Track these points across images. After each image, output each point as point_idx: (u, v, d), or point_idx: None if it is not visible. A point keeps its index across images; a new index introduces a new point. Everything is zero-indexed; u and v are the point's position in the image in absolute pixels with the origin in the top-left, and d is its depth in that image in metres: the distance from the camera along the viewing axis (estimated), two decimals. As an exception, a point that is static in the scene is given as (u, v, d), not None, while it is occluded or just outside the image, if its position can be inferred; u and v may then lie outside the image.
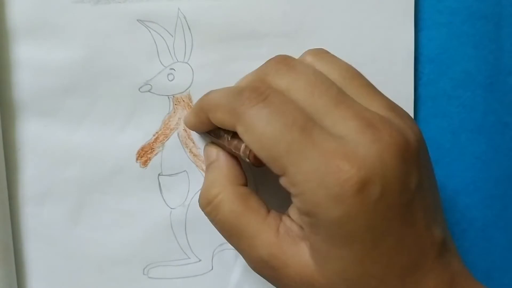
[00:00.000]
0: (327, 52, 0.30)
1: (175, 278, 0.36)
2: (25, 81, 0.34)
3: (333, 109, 0.26)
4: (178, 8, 0.34)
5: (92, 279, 0.36)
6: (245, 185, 0.30)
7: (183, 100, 0.35)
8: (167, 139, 0.35)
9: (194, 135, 0.35)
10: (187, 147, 0.35)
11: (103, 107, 0.35)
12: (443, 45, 0.36)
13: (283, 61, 0.28)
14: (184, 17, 0.34)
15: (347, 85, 0.27)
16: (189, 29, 0.35)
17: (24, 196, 0.35)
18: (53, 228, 0.35)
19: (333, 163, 0.24)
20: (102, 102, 0.35)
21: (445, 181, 0.36)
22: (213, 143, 0.32)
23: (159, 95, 0.35)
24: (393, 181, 0.24)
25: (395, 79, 0.35)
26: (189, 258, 0.36)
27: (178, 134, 0.35)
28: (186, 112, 0.35)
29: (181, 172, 0.35)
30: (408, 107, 0.35)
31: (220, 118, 0.28)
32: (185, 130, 0.35)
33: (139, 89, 0.35)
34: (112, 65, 0.34)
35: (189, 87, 0.35)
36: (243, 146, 0.29)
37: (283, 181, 0.26)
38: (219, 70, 0.35)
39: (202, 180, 0.35)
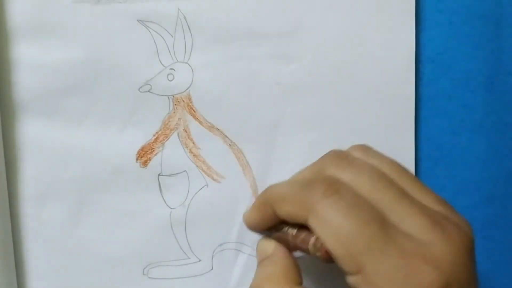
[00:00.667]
0: (372, 147, 0.30)
1: (175, 278, 0.36)
2: (25, 81, 0.34)
3: (398, 205, 0.26)
4: (178, 8, 0.34)
5: (92, 279, 0.36)
6: (301, 284, 0.29)
7: (183, 100, 0.35)
8: (167, 139, 0.35)
9: (194, 136, 0.35)
10: (187, 147, 0.35)
11: (103, 107, 0.35)
12: (443, 45, 0.35)
13: (341, 155, 0.29)
14: (184, 17, 0.34)
15: (400, 180, 0.28)
16: (189, 29, 0.35)
17: (24, 196, 0.35)
18: (53, 228, 0.35)
19: (415, 264, 0.24)
20: (102, 102, 0.35)
21: (445, 181, 0.36)
22: (267, 237, 0.31)
23: (159, 95, 0.35)
24: (466, 280, 0.25)
25: (396, 79, 0.35)
26: (189, 258, 0.36)
27: (178, 134, 0.35)
28: (187, 112, 0.35)
29: (181, 172, 0.35)
30: (409, 107, 0.35)
31: (289, 210, 0.28)
32: (185, 130, 0.35)
33: (139, 89, 0.35)
34: (112, 65, 0.34)
35: (189, 87, 0.35)
36: (312, 239, 0.27)
37: (354, 280, 0.25)
38: (219, 70, 0.35)
39: (202, 180, 0.35)
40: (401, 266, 0.24)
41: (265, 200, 0.30)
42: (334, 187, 0.26)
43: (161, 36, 0.34)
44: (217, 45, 0.35)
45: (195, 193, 0.36)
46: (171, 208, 0.36)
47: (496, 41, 0.35)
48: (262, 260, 0.30)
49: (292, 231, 0.29)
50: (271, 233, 0.31)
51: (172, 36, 0.35)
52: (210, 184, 0.36)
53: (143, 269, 0.36)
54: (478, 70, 0.36)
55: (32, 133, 0.34)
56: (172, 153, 0.35)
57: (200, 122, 0.35)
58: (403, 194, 0.27)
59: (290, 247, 0.29)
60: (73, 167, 0.35)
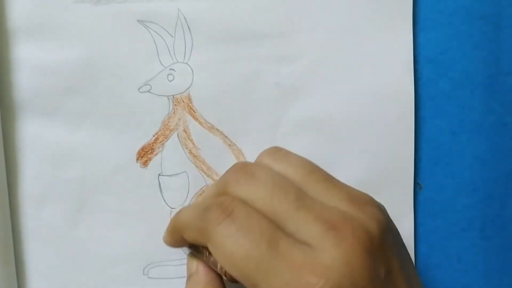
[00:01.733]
0: (282, 150, 0.30)
1: (175, 278, 0.36)
2: (25, 81, 0.34)
3: (294, 214, 0.26)
4: (178, 9, 0.34)
5: (92, 279, 0.36)
6: None
7: (183, 101, 0.35)
8: (167, 140, 0.35)
9: (194, 136, 0.35)
10: (186, 147, 0.35)
11: (103, 107, 0.35)
12: (442, 46, 0.36)
13: (241, 170, 0.29)
14: (184, 18, 0.34)
15: (305, 182, 0.28)
16: (189, 29, 0.35)
17: (24, 196, 0.35)
18: (53, 228, 0.35)
19: (302, 277, 0.24)
20: (102, 102, 0.35)
21: (445, 181, 0.36)
22: (193, 254, 0.31)
23: (159, 95, 0.35)
24: (362, 279, 0.24)
25: (396, 79, 0.35)
26: (189, 258, 0.36)
27: (177, 135, 0.35)
28: (186, 113, 0.35)
29: (181, 173, 0.36)
30: (408, 107, 0.35)
31: (192, 237, 0.28)
32: (185, 131, 0.35)
33: (139, 89, 0.35)
34: (112, 65, 0.34)
35: (189, 87, 0.35)
36: (219, 264, 0.28)
37: None
38: (219, 70, 0.35)
39: (201, 180, 0.35)
40: (291, 280, 0.24)
41: (173, 226, 0.30)
42: (228, 210, 0.26)
43: (161, 36, 0.34)
44: (217, 45, 0.35)
45: (195, 193, 0.36)
46: (171, 208, 0.36)
47: (495, 41, 0.35)
48: (188, 277, 0.31)
49: (206, 252, 0.29)
50: (193, 252, 0.31)
51: (172, 36, 0.35)
52: (210, 184, 0.36)
53: (143, 269, 0.36)
54: (477, 70, 0.36)
55: (32, 133, 0.35)
56: (172, 153, 0.35)
57: (200, 123, 0.35)
58: (301, 200, 0.26)
59: (210, 264, 0.30)
60: (73, 167, 0.35)
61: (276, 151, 0.30)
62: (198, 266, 0.30)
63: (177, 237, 0.30)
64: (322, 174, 0.28)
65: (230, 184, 0.28)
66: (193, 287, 0.30)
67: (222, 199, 0.27)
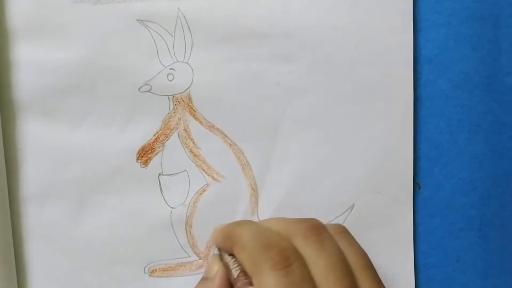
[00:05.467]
0: (349, 233, 0.31)
1: (176, 277, 0.36)
2: (25, 81, 0.34)
3: None
4: (178, 8, 0.34)
5: (93, 278, 0.36)
6: None
7: (183, 100, 0.35)
8: (167, 139, 0.35)
9: (195, 135, 0.35)
10: (187, 147, 0.35)
11: (103, 107, 0.35)
12: (441, 46, 0.36)
13: (315, 230, 0.29)
14: (184, 17, 0.34)
15: (359, 274, 0.28)
16: (189, 29, 0.35)
17: (25, 195, 0.35)
18: (54, 228, 0.35)
19: None
20: (102, 102, 0.35)
21: (443, 181, 0.37)
22: (218, 256, 0.32)
23: (159, 95, 0.35)
24: None
25: (394, 79, 0.35)
26: (190, 256, 0.36)
27: (178, 134, 0.35)
28: (187, 112, 0.35)
29: (181, 172, 0.36)
30: (407, 107, 0.36)
31: (243, 260, 0.29)
32: (185, 130, 0.35)
33: (139, 89, 0.35)
34: (112, 65, 0.34)
35: (189, 87, 0.35)
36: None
37: None
38: (219, 70, 0.35)
39: (202, 179, 0.36)
40: None
41: (229, 235, 0.30)
42: (287, 262, 0.27)
43: (161, 36, 0.34)
44: (217, 45, 0.35)
45: (196, 193, 0.36)
46: (172, 208, 0.36)
47: (493, 42, 0.36)
48: (203, 279, 0.32)
49: (238, 270, 0.29)
50: (224, 255, 0.31)
51: (172, 36, 0.35)
52: (210, 183, 0.36)
53: (144, 268, 0.36)
54: (476, 70, 0.36)
55: (33, 133, 0.35)
56: (172, 152, 0.35)
57: (200, 122, 0.35)
58: None
59: (230, 278, 0.30)
60: (74, 167, 0.35)
61: (345, 232, 0.31)
62: (217, 274, 0.31)
63: (227, 244, 0.30)
64: (374, 273, 0.29)
65: (299, 236, 0.29)
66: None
67: (286, 246, 0.28)
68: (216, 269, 0.31)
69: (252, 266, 0.28)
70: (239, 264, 0.29)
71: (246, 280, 0.29)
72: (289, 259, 0.27)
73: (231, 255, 0.30)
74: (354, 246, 0.30)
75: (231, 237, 0.30)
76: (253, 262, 0.28)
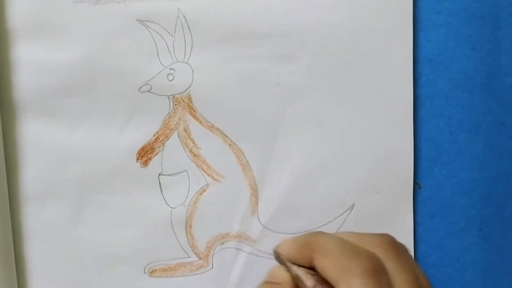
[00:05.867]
0: (409, 253, 0.31)
1: (176, 277, 0.36)
2: (25, 81, 0.34)
3: None
4: (178, 8, 0.34)
5: (93, 278, 0.36)
6: None
7: (183, 100, 0.35)
8: (168, 139, 0.35)
9: (195, 135, 0.35)
10: (187, 147, 0.35)
11: (103, 107, 0.35)
12: (441, 46, 0.36)
13: (392, 243, 0.30)
14: (184, 17, 0.34)
15: None
16: (189, 29, 0.35)
17: (25, 195, 0.35)
18: (54, 228, 0.35)
19: None
20: (102, 102, 0.35)
21: (443, 181, 0.37)
22: (282, 267, 0.32)
23: (159, 95, 0.35)
24: None
25: (394, 79, 0.35)
26: (190, 257, 0.36)
27: (178, 134, 0.35)
28: (187, 112, 0.35)
29: (181, 172, 0.36)
30: (407, 107, 0.36)
31: (327, 266, 0.29)
32: (185, 130, 0.35)
33: (139, 89, 0.35)
34: (112, 65, 0.34)
35: (189, 87, 0.35)
36: None
37: None
38: (219, 70, 0.35)
39: (202, 179, 0.36)
40: None
41: (307, 243, 0.30)
42: (377, 270, 0.28)
43: (161, 36, 0.34)
44: (217, 45, 0.35)
45: (196, 193, 0.36)
46: (172, 208, 0.36)
47: (493, 42, 0.36)
48: (268, 282, 0.32)
49: (313, 281, 0.29)
50: (292, 267, 0.31)
51: (172, 36, 0.35)
52: (210, 183, 0.36)
53: (144, 268, 0.36)
54: (475, 70, 0.36)
55: (33, 133, 0.35)
56: (172, 152, 0.35)
57: (200, 122, 0.35)
58: None
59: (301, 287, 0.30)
60: (73, 167, 0.35)
61: (406, 252, 0.31)
62: (286, 282, 0.31)
63: (303, 254, 0.30)
64: None
65: (380, 248, 0.29)
66: None
67: (373, 255, 0.28)
68: (283, 277, 0.31)
69: (339, 272, 0.28)
70: (314, 275, 0.29)
71: None
72: (377, 267, 0.28)
73: (301, 266, 0.30)
74: (418, 267, 0.30)
75: (310, 245, 0.30)
76: (341, 267, 0.28)
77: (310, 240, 0.30)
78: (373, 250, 0.29)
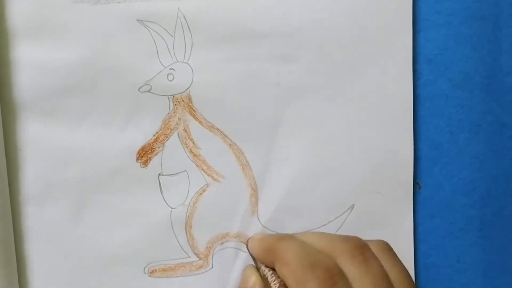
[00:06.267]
0: (392, 250, 0.31)
1: (175, 277, 0.36)
2: (25, 81, 0.34)
3: None
4: (178, 8, 0.34)
5: (93, 278, 0.36)
6: None
7: (183, 100, 0.35)
8: (167, 139, 0.35)
9: (194, 135, 0.35)
10: (187, 147, 0.35)
11: (103, 107, 0.35)
12: (441, 46, 0.36)
13: (359, 249, 0.30)
14: (184, 17, 0.34)
15: None
16: (189, 29, 0.35)
17: (25, 195, 0.35)
18: (54, 228, 0.35)
19: None
20: (102, 102, 0.35)
21: (443, 181, 0.37)
22: (254, 267, 0.32)
23: (159, 95, 0.35)
24: None
25: (394, 79, 0.35)
26: (189, 257, 0.36)
27: (178, 134, 0.35)
28: (187, 112, 0.35)
29: (181, 172, 0.36)
30: (407, 107, 0.36)
31: (286, 276, 0.29)
32: (185, 130, 0.35)
33: (139, 89, 0.35)
34: (112, 65, 0.34)
35: (189, 87, 0.35)
36: None
37: None
38: (219, 70, 0.35)
39: (202, 179, 0.36)
40: None
41: (271, 248, 0.31)
42: (333, 280, 0.28)
43: (161, 36, 0.34)
44: (217, 45, 0.35)
45: (196, 193, 0.36)
46: (172, 208, 0.36)
47: (493, 42, 0.36)
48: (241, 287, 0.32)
49: (277, 284, 0.30)
50: (261, 266, 0.32)
51: (172, 36, 0.35)
52: (210, 183, 0.36)
53: (144, 268, 0.36)
54: (475, 70, 0.36)
55: (33, 133, 0.35)
56: (172, 153, 0.35)
57: (200, 122, 0.35)
58: None
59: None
60: (73, 167, 0.35)
61: (388, 249, 0.31)
62: (256, 286, 0.32)
63: (267, 257, 0.31)
64: None
65: (344, 255, 0.29)
66: None
67: (331, 265, 0.29)
68: (254, 280, 0.32)
69: (296, 283, 0.28)
70: (278, 277, 0.30)
71: None
72: (334, 277, 0.28)
73: (268, 267, 0.31)
74: (398, 265, 0.30)
75: (273, 251, 0.30)
76: (298, 279, 0.28)
77: (273, 245, 0.31)
78: (338, 257, 0.29)
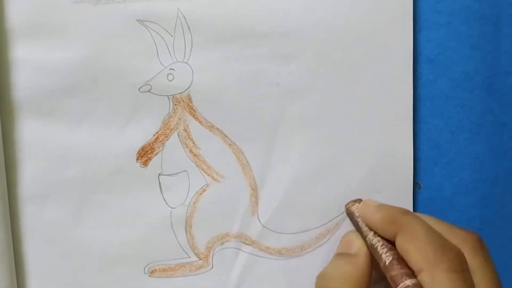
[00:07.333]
0: (486, 249, 0.31)
1: (175, 277, 0.36)
2: (25, 81, 0.34)
3: None
4: (178, 8, 0.34)
5: (93, 278, 0.36)
6: None
7: (183, 100, 0.35)
8: (167, 139, 0.35)
9: (194, 135, 0.35)
10: (187, 147, 0.35)
11: (103, 107, 0.35)
12: (442, 46, 0.36)
13: (480, 243, 0.30)
14: (184, 17, 0.34)
15: None
16: (189, 29, 0.35)
17: (24, 195, 0.35)
18: (53, 228, 0.35)
19: None
20: (102, 102, 0.35)
21: (444, 181, 0.36)
22: (357, 233, 0.31)
23: (159, 95, 0.35)
24: None
25: (394, 79, 0.35)
26: (189, 257, 0.36)
27: (178, 134, 0.35)
28: (187, 112, 0.35)
29: (181, 172, 0.36)
30: (407, 107, 0.36)
31: (411, 251, 0.29)
32: (185, 130, 0.35)
33: (139, 89, 0.35)
34: (112, 65, 0.34)
35: (189, 87, 0.35)
36: (408, 283, 0.28)
37: None
38: (219, 70, 0.35)
39: (202, 179, 0.36)
40: None
41: (394, 219, 0.30)
42: (463, 266, 0.28)
43: (160, 36, 0.34)
44: (217, 45, 0.35)
45: (196, 193, 0.36)
46: (172, 208, 0.36)
47: (494, 41, 0.36)
48: (342, 254, 0.31)
49: (390, 257, 0.29)
50: (369, 234, 0.30)
51: (171, 36, 0.35)
52: (210, 183, 0.36)
53: (144, 268, 0.36)
54: (476, 70, 0.36)
55: (32, 133, 0.35)
56: (172, 153, 0.35)
57: (200, 122, 0.35)
58: None
59: (379, 262, 0.30)
60: (73, 167, 0.35)
61: (486, 250, 0.31)
62: (362, 251, 0.31)
63: (390, 230, 0.30)
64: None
65: (467, 245, 0.29)
66: (348, 267, 0.30)
67: (460, 252, 0.29)
68: (358, 246, 0.31)
69: (424, 261, 0.28)
70: (391, 249, 0.29)
71: (403, 271, 0.28)
72: (463, 264, 0.28)
73: (379, 236, 0.30)
74: (493, 270, 0.31)
75: (399, 223, 0.30)
76: (428, 257, 0.28)
77: (398, 217, 0.30)
78: (459, 246, 0.29)
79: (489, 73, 0.36)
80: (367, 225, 0.31)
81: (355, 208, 0.33)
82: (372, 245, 0.29)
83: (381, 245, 0.29)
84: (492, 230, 0.37)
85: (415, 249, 0.28)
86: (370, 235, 0.30)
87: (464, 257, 0.29)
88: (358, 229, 0.31)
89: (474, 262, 0.29)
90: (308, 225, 0.36)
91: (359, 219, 0.31)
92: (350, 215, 0.32)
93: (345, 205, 0.34)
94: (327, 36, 0.35)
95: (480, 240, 0.30)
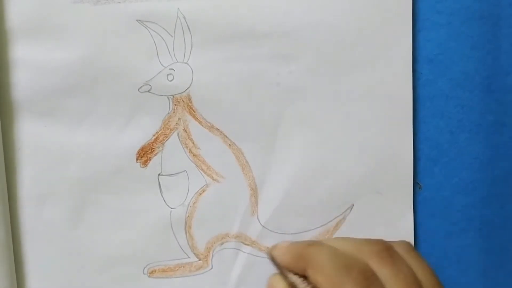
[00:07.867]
0: (416, 251, 0.31)
1: (175, 277, 0.36)
2: (25, 81, 0.34)
3: None
4: (178, 8, 0.34)
5: (92, 278, 0.36)
6: None
7: (183, 101, 0.35)
8: (167, 139, 0.35)
9: (194, 135, 0.35)
10: (186, 147, 0.35)
11: (103, 107, 0.35)
12: (441, 46, 0.36)
13: (387, 251, 0.30)
14: (184, 17, 0.34)
15: None
16: (189, 29, 0.35)
17: (24, 196, 0.35)
18: (53, 228, 0.35)
19: None
20: (102, 102, 0.35)
21: (444, 181, 0.36)
22: (280, 276, 0.32)
23: (159, 95, 0.35)
24: None
25: (394, 79, 0.35)
26: (189, 257, 0.36)
27: (178, 134, 0.35)
28: (186, 112, 0.35)
29: (181, 172, 0.36)
30: (407, 107, 0.36)
31: (320, 281, 0.29)
32: (185, 130, 0.35)
33: (138, 89, 0.35)
34: (112, 65, 0.34)
35: (189, 87, 0.35)
36: None
37: None
38: (218, 70, 0.35)
39: (201, 179, 0.36)
40: None
41: (302, 255, 0.31)
42: (369, 281, 0.28)
43: (160, 36, 0.34)
44: (217, 45, 0.35)
45: (195, 193, 0.36)
46: (171, 208, 0.36)
47: (494, 41, 0.36)
48: None
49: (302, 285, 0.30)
50: (288, 274, 0.31)
51: (171, 36, 0.35)
52: (210, 183, 0.36)
53: (143, 269, 0.36)
54: (476, 70, 0.36)
55: (32, 133, 0.35)
56: (172, 153, 0.35)
57: (200, 122, 0.35)
58: None
59: None
60: (73, 167, 0.35)
61: (410, 248, 0.31)
62: None
63: (298, 264, 0.30)
64: None
65: (373, 257, 0.29)
66: None
67: (365, 267, 0.29)
68: (282, 286, 0.31)
69: (331, 284, 0.28)
70: (309, 284, 0.30)
71: None
72: (369, 279, 0.28)
73: (297, 274, 0.30)
74: (423, 265, 0.30)
75: (304, 257, 0.30)
76: (333, 283, 0.28)
77: (303, 251, 0.31)
78: (368, 259, 0.29)
79: (489, 73, 0.36)
80: (284, 267, 0.32)
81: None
82: (293, 283, 0.30)
83: (301, 281, 0.30)
84: (492, 230, 0.37)
85: (323, 278, 0.29)
86: (290, 275, 0.31)
87: (369, 270, 0.29)
88: (280, 271, 0.32)
89: (383, 271, 0.29)
90: (307, 225, 0.36)
91: (278, 263, 0.32)
92: (272, 259, 0.32)
93: (267, 251, 0.34)
94: (327, 36, 0.35)
95: (387, 247, 0.30)
